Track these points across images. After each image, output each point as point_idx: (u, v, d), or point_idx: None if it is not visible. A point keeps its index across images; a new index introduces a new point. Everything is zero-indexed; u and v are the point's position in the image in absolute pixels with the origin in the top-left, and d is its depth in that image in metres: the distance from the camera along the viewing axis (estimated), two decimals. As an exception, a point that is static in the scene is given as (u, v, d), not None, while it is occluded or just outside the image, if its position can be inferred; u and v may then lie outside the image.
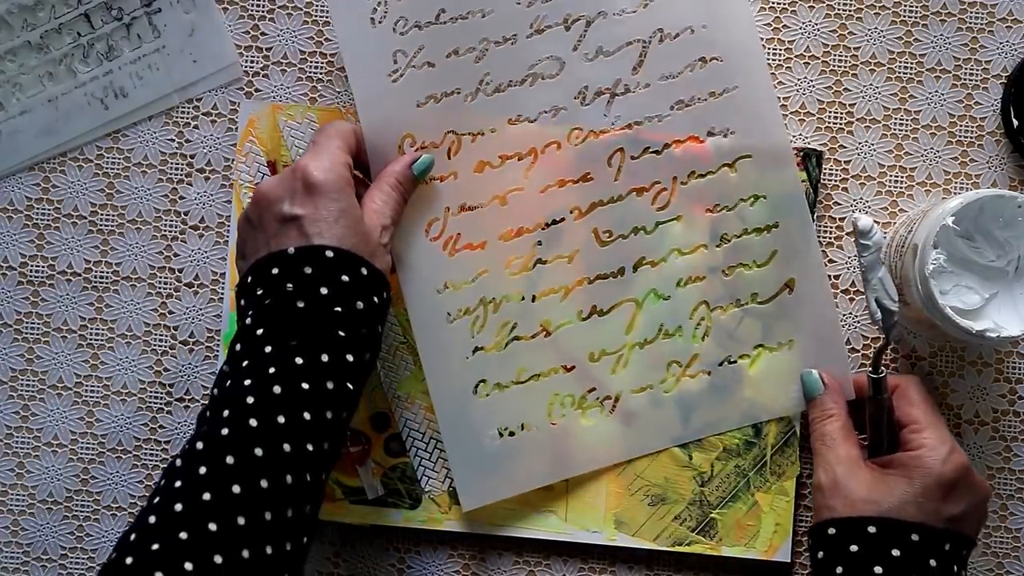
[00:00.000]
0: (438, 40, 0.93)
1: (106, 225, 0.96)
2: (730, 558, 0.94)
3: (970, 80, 0.95)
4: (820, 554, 0.86)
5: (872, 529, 0.84)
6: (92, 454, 0.96)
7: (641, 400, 0.94)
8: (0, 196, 0.96)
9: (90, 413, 0.96)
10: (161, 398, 0.96)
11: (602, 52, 0.93)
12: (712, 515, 0.94)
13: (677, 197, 0.94)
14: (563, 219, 0.94)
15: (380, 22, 0.93)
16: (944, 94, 0.95)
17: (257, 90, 0.96)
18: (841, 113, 0.95)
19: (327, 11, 0.96)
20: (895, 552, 0.83)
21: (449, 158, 0.93)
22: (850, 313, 0.95)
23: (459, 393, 0.94)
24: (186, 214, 0.96)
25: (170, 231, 0.96)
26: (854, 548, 0.84)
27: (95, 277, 0.96)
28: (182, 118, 0.96)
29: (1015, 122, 0.94)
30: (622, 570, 0.96)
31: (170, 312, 0.96)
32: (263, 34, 0.96)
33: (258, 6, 0.96)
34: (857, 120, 0.95)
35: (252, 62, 0.96)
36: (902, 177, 0.96)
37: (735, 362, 0.94)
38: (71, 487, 0.96)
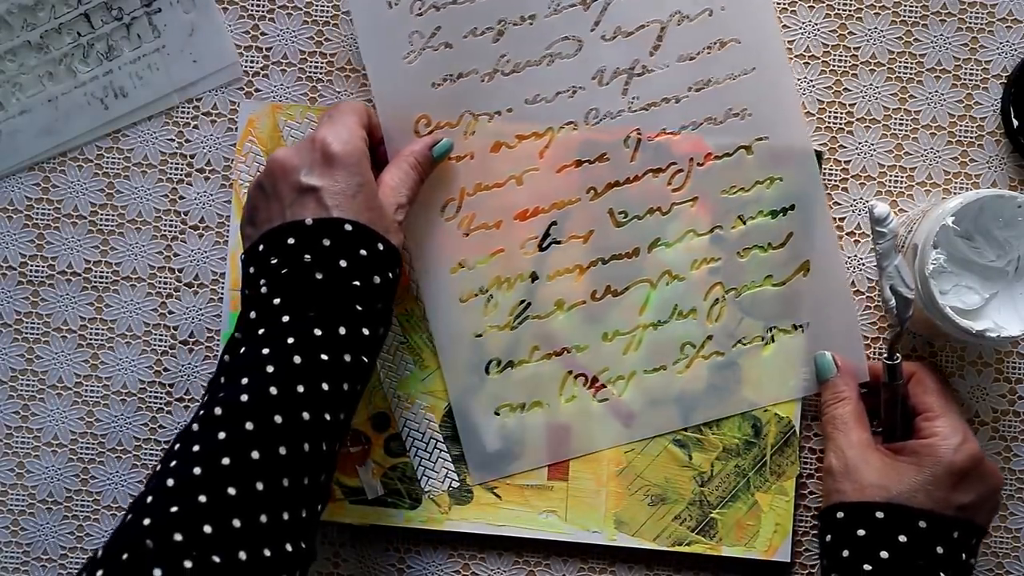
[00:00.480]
0: (456, 21, 0.93)
1: (106, 225, 0.96)
2: (730, 558, 0.94)
3: (970, 80, 0.95)
4: (828, 537, 0.86)
5: (880, 514, 0.84)
6: (92, 454, 0.96)
7: (653, 382, 0.94)
8: (0, 196, 0.96)
9: (90, 413, 0.96)
10: (161, 398, 0.96)
11: (620, 33, 0.94)
12: (712, 515, 0.94)
13: (693, 178, 0.94)
14: (579, 199, 0.94)
15: (396, 4, 0.93)
16: (944, 94, 0.95)
17: (257, 90, 0.96)
18: (841, 113, 0.95)
19: (327, 11, 0.96)
20: (902, 538, 0.83)
21: (465, 138, 0.94)
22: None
23: (471, 370, 0.94)
24: (186, 214, 0.96)
25: (170, 231, 0.96)
26: (861, 532, 0.84)
27: (95, 277, 0.96)
28: (182, 118, 0.96)
29: (1015, 122, 0.94)
30: (622, 570, 0.96)
31: (170, 312, 0.96)
32: (263, 34, 0.96)
33: (258, 6, 0.96)
34: (857, 120, 0.95)
35: (252, 62, 0.96)
36: (902, 177, 0.96)
37: (749, 344, 0.94)
38: (71, 487, 0.96)
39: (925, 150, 0.96)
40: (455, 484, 0.95)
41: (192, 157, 0.96)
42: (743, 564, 0.94)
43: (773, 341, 0.94)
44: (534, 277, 0.94)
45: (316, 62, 0.96)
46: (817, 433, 0.95)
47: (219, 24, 0.96)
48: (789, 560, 0.94)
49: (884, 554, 0.83)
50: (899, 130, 0.96)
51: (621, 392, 0.94)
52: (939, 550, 0.83)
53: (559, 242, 0.94)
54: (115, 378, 0.96)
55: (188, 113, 0.96)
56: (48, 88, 0.96)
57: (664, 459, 0.94)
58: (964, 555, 0.85)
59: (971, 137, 0.95)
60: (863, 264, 0.95)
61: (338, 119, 0.87)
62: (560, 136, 0.94)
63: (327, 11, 0.96)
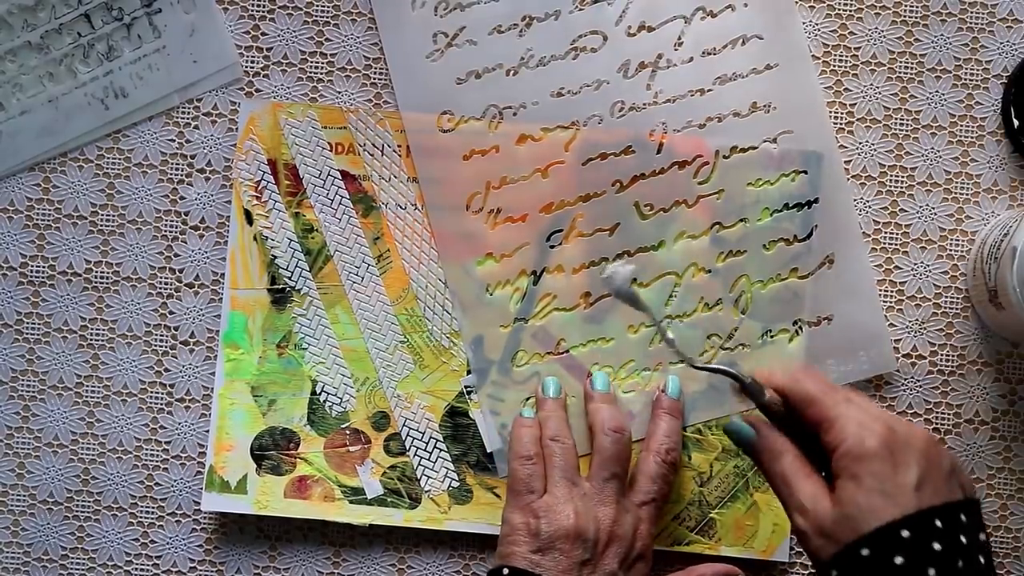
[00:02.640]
0: (480, 19, 0.94)
1: (106, 225, 0.97)
2: (729, 558, 0.94)
3: (970, 80, 0.95)
4: None
5: (865, 552, 0.77)
6: (93, 454, 0.97)
7: (680, 373, 0.94)
8: (1, 196, 0.97)
9: (91, 413, 0.97)
10: (161, 398, 0.97)
11: (644, 27, 0.94)
12: (711, 515, 0.94)
13: (719, 171, 0.94)
14: (604, 192, 0.95)
15: (420, 7, 0.94)
16: (944, 94, 0.95)
17: (257, 90, 0.96)
18: (841, 113, 0.95)
19: (328, 11, 0.96)
20: (898, 560, 0.76)
21: (490, 132, 0.94)
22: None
23: (498, 362, 0.95)
24: (186, 214, 0.96)
25: (170, 231, 0.96)
26: None
27: (95, 277, 0.97)
28: (182, 118, 0.96)
29: (1016, 122, 0.94)
30: (622, 570, 0.96)
31: (170, 312, 0.96)
32: (263, 34, 0.96)
33: (258, 6, 0.96)
34: (857, 120, 0.95)
35: (252, 62, 0.96)
36: (902, 177, 0.96)
37: (775, 336, 0.94)
38: (72, 487, 0.97)
39: (925, 150, 0.95)
40: (455, 484, 0.95)
41: (192, 157, 0.96)
42: (741, 564, 0.94)
43: (800, 334, 0.94)
44: (560, 269, 0.95)
45: (316, 62, 0.96)
46: (817, 433, 0.95)
47: (219, 24, 0.96)
48: (787, 560, 0.94)
49: None
50: (899, 130, 0.96)
51: (646, 384, 0.94)
52: (936, 547, 0.77)
53: (585, 235, 0.95)
54: (116, 378, 0.97)
55: (188, 113, 0.96)
56: (49, 88, 0.96)
57: (663, 459, 0.94)
58: (962, 535, 0.77)
59: (972, 137, 0.95)
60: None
61: None
62: (585, 129, 0.95)
63: (327, 11, 0.96)
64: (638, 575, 0.89)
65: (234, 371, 0.95)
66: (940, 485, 0.79)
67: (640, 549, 0.89)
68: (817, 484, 0.79)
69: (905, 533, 0.77)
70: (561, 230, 0.95)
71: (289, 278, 0.96)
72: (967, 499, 0.80)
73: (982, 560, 0.78)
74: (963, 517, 0.78)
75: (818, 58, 0.95)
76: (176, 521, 0.97)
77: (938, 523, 0.78)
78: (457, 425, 0.95)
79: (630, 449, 0.91)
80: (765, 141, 0.94)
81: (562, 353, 0.95)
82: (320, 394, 0.95)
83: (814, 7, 0.95)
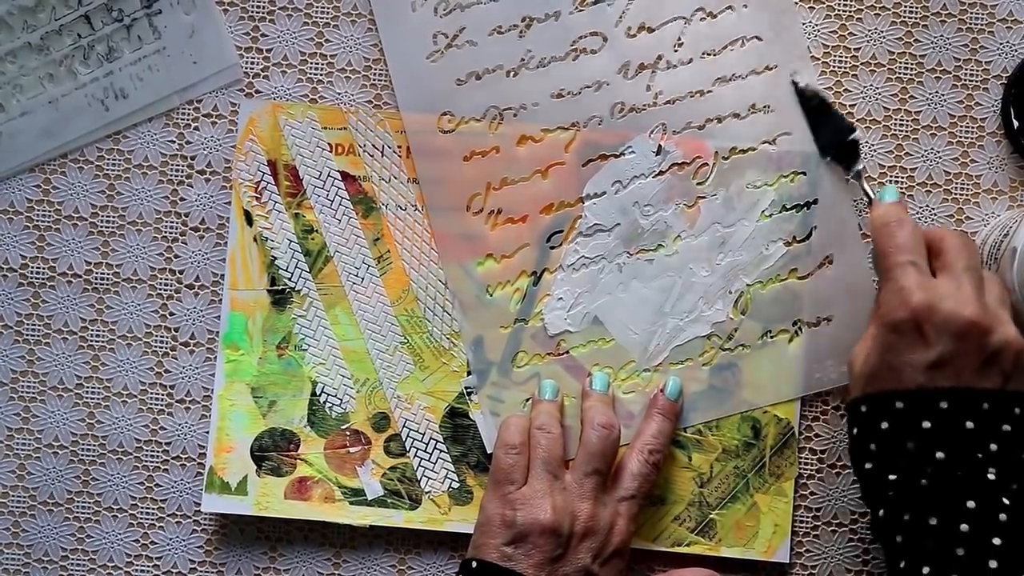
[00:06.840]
0: (480, 19, 0.95)
1: (106, 226, 0.97)
2: (729, 559, 0.94)
3: (970, 81, 0.95)
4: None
5: (864, 408, 0.81)
6: (93, 456, 0.97)
7: (680, 374, 0.94)
8: (1, 198, 0.97)
9: (91, 415, 0.97)
10: (162, 400, 0.97)
11: (644, 28, 0.95)
12: (711, 516, 0.94)
13: (717, 172, 0.94)
14: (604, 193, 0.95)
15: (420, 7, 0.94)
16: (944, 95, 0.95)
17: (257, 91, 0.96)
18: (842, 114, 0.95)
19: (327, 12, 0.96)
20: (883, 425, 0.79)
21: (491, 133, 0.94)
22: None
23: (498, 363, 0.95)
24: (186, 215, 0.96)
25: (170, 233, 0.97)
26: (855, 431, 0.82)
27: (96, 279, 0.97)
28: (182, 119, 0.97)
29: (1015, 123, 0.94)
30: (622, 570, 0.96)
31: (171, 314, 0.96)
32: (263, 35, 0.96)
33: (258, 7, 0.96)
34: (857, 121, 0.95)
35: (252, 63, 0.96)
36: (902, 178, 0.96)
37: (775, 337, 0.94)
38: (72, 489, 0.97)
39: (925, 151, 0.96)
40: (455, 484, 0.95)
41: (192, 159, 0.96)
42: (742, 564, 0.95)
43: (799, 335, 0.94)
44: (561, 270, 0.95)
45: (316, 63, 0.96)
46: (818, 434, 0.95)
47: (219, 25, 0.96)
48: (788, 561, 0.94)
49: (873, 446, 0.80)
50: (899, 131, 0.96)
51: (646, 385, 0.94)
52: (925, 425, 0.78)
53: (585, 236, 0.95)
54: (116, 380, 0.97)
55: (188, 115, 0.96)
56: (49, 90, 0.96)
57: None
58: (971, 422, 0.78)
59: (971, 138, 0.95)
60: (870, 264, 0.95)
61: None
62: (586, 130, 0.95)
63: (327, 12, 0.96)
64: (613, 570, 0.88)
65: (234, 372, 0.95)
66: (966, 369, 0.79)
67: (616, 545, 0.88)
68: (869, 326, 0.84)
69: (899, 404, 0.79)
70: (561, 231, 0.95)
71: (289, 279, 0.96)
72: (999, 390, 0.79)
73: (993, 447, 0.78)
74: (985, 405, 0.78)
75: (818, 59, 0.95)
76: (176, 522, 0.97)
77: (943, 404, 0.78)
78: (457, 426, 0.95)
79: (616, 447, 0.91)
80: (764, 142, 0.94)
81: (562, 354, 0.95)
82: (320, 395, 0.95)
83: (813, 8, 0.95)
